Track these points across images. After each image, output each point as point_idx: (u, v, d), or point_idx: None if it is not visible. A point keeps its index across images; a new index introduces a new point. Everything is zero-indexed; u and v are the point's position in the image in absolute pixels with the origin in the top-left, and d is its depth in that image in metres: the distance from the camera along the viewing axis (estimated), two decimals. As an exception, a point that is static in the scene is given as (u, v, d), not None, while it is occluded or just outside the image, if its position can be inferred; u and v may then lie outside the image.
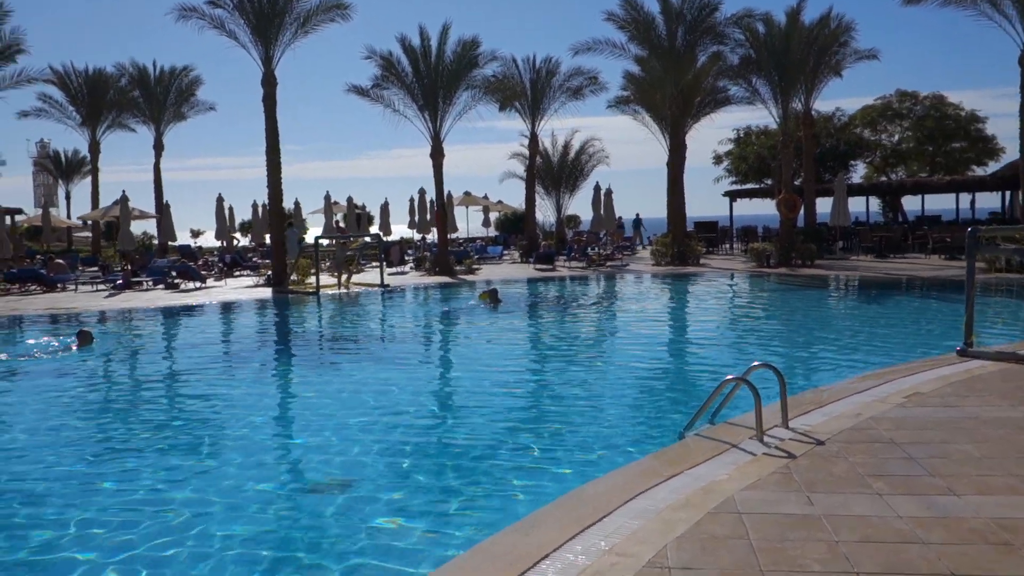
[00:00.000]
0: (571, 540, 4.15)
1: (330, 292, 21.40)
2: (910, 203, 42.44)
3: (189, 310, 18.50)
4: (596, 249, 30.73)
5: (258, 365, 12.01)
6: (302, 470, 6.85)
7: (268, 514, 5.66)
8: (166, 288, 23.07)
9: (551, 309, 18.16)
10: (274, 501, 5.93)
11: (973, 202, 36.81)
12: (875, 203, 43.25)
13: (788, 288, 20.48)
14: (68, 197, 52.22)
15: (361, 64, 27.66)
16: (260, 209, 34.16)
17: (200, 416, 8.80)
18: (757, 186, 40.97)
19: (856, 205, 35.58)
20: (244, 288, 22.90)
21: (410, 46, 26.84)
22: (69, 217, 47.84)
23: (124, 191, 28.38)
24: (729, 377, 6.12)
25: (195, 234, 51.75)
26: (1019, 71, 22.08)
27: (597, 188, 32.96)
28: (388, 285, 22.40)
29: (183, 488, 6.21)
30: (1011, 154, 39.34)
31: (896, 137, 42.92)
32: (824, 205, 31.15)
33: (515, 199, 44.50)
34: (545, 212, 38.23)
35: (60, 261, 26.44)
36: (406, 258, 31.87)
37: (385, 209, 37.72)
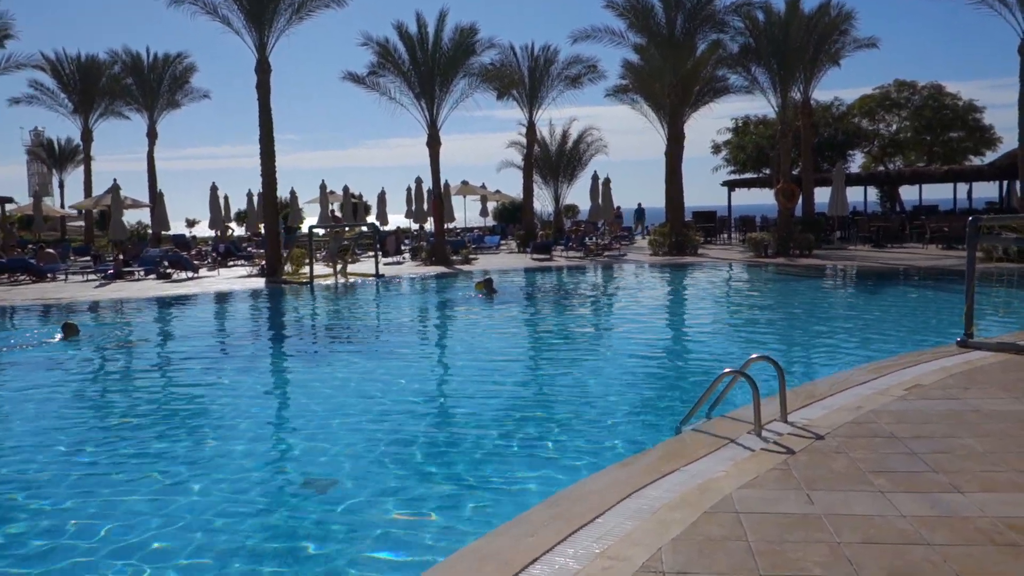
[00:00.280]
0: (562, 542, 4.00)
1: (324, 282, 21.22)
2: (907, 193, 42.33)
3: (179, 300, 18.31)
4: (593, 239, 30.55)
5: (246, 357, 11.83)
6: (289, 464, 6.69)
7: (255, 507, 5.51)
8: (158, 278, 22.87)
9: (547, 300, 18.00)
10: (261, 495, 5.78)
11: (970, 192, 36.68)
12: (873, 193, 43.11)
13: (786, 278, 20.33)
14: (62, 186, 51.84)
15: (358, 52, 27.34)
16: (255, 198, 33.89)
17: (182, 409, 8.64)
18: (755, 176, 40.73)
19: (854, 195, 35.38)
20: (237, 278, 22.70)
21: (407, 33, 26.56)
22: (63, 206, 47.48)
23: (115, 180, 28.05)
24: (727, 370, 5.97)
25: (190, 223, 51.44)
26: (1019, 60, 21.89)
27: (595, 178, 32.74)
28: (383, 275, 22.22)
29: (162, 481, 6.06)
30: (1008, 144, 39.21)
31: (894, 127, 42.72)
32: (822, 195, 30.98)
33: (513, 189, 44.24)
34: (543, 202, 38.03)
35: (50, 251, 26.19)
36: (402, 248, 31.67)
37: (382, 198, 37.47)
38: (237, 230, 41.78)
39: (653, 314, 15.60)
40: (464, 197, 41.71)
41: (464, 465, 6.35)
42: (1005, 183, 31.87)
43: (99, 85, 36.11)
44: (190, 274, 23.38)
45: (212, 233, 36.66)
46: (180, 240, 34.14)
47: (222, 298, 18.99)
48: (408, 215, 36.72)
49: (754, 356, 6.26)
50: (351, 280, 21.72)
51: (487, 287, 17.62)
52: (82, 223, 41.06)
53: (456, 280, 21.55)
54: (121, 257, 24.79)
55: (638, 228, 40.72)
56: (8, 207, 38.15)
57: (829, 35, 27.42)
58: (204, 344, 13.03)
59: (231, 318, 16.89)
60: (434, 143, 27.21)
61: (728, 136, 44.65)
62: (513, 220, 41.83)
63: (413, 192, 35.20)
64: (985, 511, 4.16)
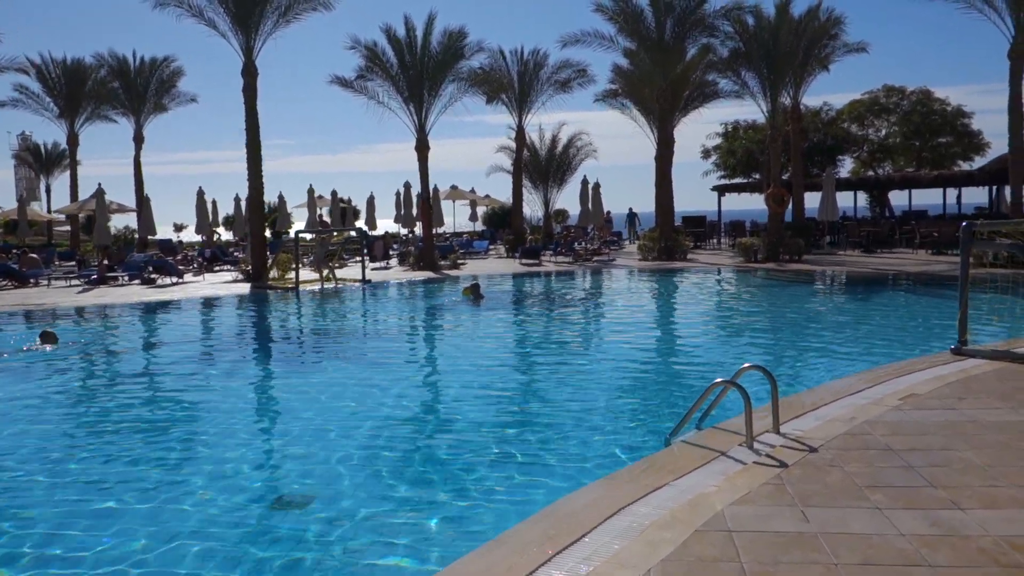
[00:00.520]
0: (547, 563, 3.81)
1: (310, 288, 20.96)
2: (896, 198, 42.40)
3: (162, 307, 18.02)
4: (583, 244, 30.39)
5: (227, 365, 11.58)
6: (269, 477, 6.46)
7: (231, 522, 5.28)
8: (142, 283, 22.55)
9: (534, 306, 17.81)
10: (238, 509, 5.55)
11: (960, 197, 36.74)
12: (862, 198, 43.17)
13: (776, 284, 20.22)
14: (48, 190, 51.35)
15: (348, 57, 27.17)
16: (243, 203, 33.59)
17: (158, 419, 8.39)
18: (745, 180, 40.75)
19: (843, 200, 35.34)
20: (222, 283, 22.41)
21: (395, 36, 26.37)
22: (49, 211, 47.00)
23: (100, 184, 27.75)
24: (718, 380, 5.79)
25: (178, 228, 51.03)
26: (1008, 65, 21.91)
27: (584, 182, 32.61)
28: (369, 280, 21.97)
29: (130, 492, 5.82)
30: (997, 149, 39.34)
31: (883, 132, 42.83)
32: (812, 200, 30.96)
33: (503, 193, 44.15)
34: (533, 206, 37.86)
35: (33, 256, 25.81)
36: (390, 253, 31.43)
37: (371, 203, 37.22)
38: (225, 235, 41.45)
39: (641, 321, 15.42)
40: (453, 202, 41.55)
41: (445, 479, 6.14)
42: (994, 188, 31.92)
43: (85, 89, 35.77)
44: (175, 279, 23.07)
45: (199, 238, 36.33)
46: (166, 245, 33.80)
47: (205, 304, 18.71)
48: (397, 220, 36.49)
49: (746, 365, 6.08)
50: (337, 285, 21.47)
51: (474, 293, 17.42)
52: (69, 228, 40.63)
53: (443, 286, 21.33)
54: (106, 262, 24.45)
55: (631, 233, 40.62)
56: (-7, 211, 37.70)
57: (819, 40, 27.40)
58: (184, 352, 12.76)
59: (213, 324, 16.61)
60: (423, 147, 27.01)
61: (718, 141, 44.68)
62: (503, 225, 41.64)
63: (402, 197, 34.98)
64: (987, 529, 3.99)
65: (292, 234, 28.67)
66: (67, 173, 38.82)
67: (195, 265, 26.88)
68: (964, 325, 8.52)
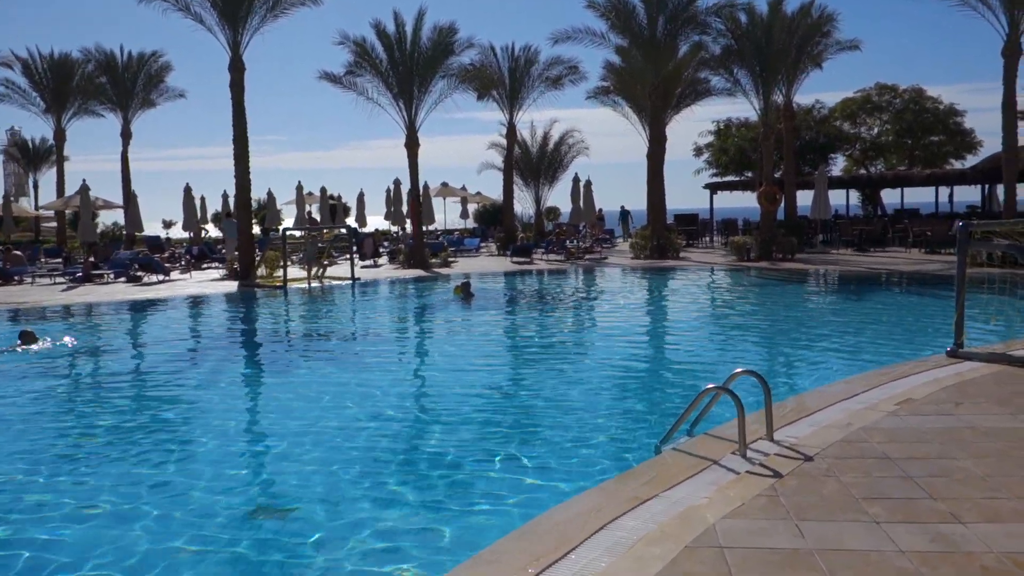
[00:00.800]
0: (528, 583, 3.61)
1: (298, 286, 20.70)
2: (889, 196, 42.37)
3: (147, 305, 17.74)
4: (575, 242, 30.20)
5: (210, 365, 11.35)
6: (253, 483, 6.24)
7: (214, 529, 5.07)
8: (128, 281, 22.25)
9: (524, 304, 17.61)
10: (219, 515, 5.33)
11: (952, 195, 36.71)
12: (854, 196, 43.12)
13: (769, 283, 20.07)
14: (36, 186, 50.86)
15: (338, 53, 26.91)
16: (231, 200, 33.27)
17: (137, 423, 8.15)
18: (738, 178, 40.61)
19: (836, 198, 35.25)
20: (209, 281, 22.13)
21: (384, 32, 26.13)
22: (37, 207, 46.54)
23: (84, 180, 27.49)
24: (710, 386, 5.60)
25: (167, 225, 50.60)
26: (1002, 63, 21.81)
27: (576, 180, 32.42)
28: (359, 279, 21.73)
29: (113, 496, 5.60)
30: (989, 148, 39.39)
31: (875, 130, 42.78)
32: (804, 198, 30.85)
33: (494, 191, 43.94)
34: (524, 204, 37.66)
35: (17, 252, 25.45)
36: (380, 251, 31.18)
37: (361, 200, 36.96)
38: (213, 232, 41.09)
39: (632, 321, 15.24)
40: (444, 199, 41.27)
41: (427, 487, 5.93)
42: (986, 187, 31.87)
43: (72, 84, 35.38)
44: (161, 277, 22.78)
45: (187, 235, 35.99)
46: (154, 242, 33.44)
47: (191, 302, 18.43)
48: (387, 217, 36.24)
49: (738, 370, 5.90)
50: (326, 284, 21.22)
51: (464, 291, 17.22)
52: (56, 224, 40.21)
53: (433, 284, 21.12)
54: (91, 259, 24.13)
55: (624, 231, 40.41)
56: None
57: (811, 37, 27.26)
58: (167, 352, 12.51)
59: (198, 323, 16.35)
60: (412, 144, 26.78)
61: (710, 139, 44.55)
62: (494, 222, 41.43)
63: (392, 194, 34.72)
64: (990, 545, 3.81)
65: (281, 231, 28.38)
66: (55, 169, 38.43)
67: (182, 262, 26.57)
68: (961, 327, 8.36)
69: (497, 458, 6.50)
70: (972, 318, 10.23)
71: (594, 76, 36.40)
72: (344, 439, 7.17)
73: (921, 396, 6.74)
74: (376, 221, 40.24)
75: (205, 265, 27.31)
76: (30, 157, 50.61)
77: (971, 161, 38.11)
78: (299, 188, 34.15)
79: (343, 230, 30.36)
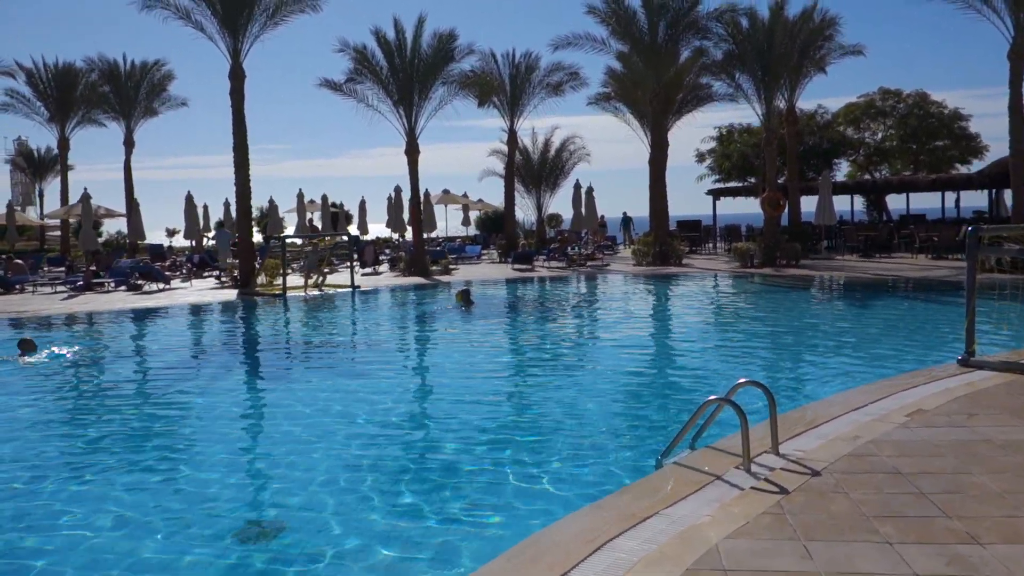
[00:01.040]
0: (519, 611, 3.40)
1: (298, 294, 20.53)
2: (894, 201, 42.06)
3: (147, 314, 17.58)
4: (576, 249, 30.00)
5: (209, 374, 11.16)
6: (248, 496, 6.04)
7: (211, 538, 4.87)
8: (128, 290, 22.11)
9: (525, 313, 17.39)
10: (215, 524, 5.13)
11: (958, 200, 36.38)
12: (859, 202, 42.80)
13: (774, 290, 19.83)
14: (41, 195, 50.91)
15: (338, 60, 26.84)
16: (232, 208, 33.18)
17: (135, 432, 7.96)
18: (740, 184, 40.35)
19: (840, 203, 34.96)
20: (209, 290, 21.97)
21: (384, 39, 26.00)
22: (42, 216, 46.58)
23: (86, 189, 27.53)
24: (712, 397, 5.39)
25: (170, 233, 50.53)
26: (1008, 66, 21.58)
27: (577, 186, 32.21)
28: (359, 286, 21.55)
29: (104, 505, 5.40)
30: (995, 153, 39.07)
31: (879, 135, 42.47)
32: (808, 204, 30.58)
33: (495, 198, 43.71)
34: (526, 211, 37.45)
35: (19, 262, 25.38)
36: (381, 258, 31.00)
37: (363, 208, 36.83)
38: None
39: (634, 330, 15.00)
40: (446, 206, 41.15)
41: (420, 501, 5.72)
42: (993, 192, 31.60)
43: (76, 93, 35.42)
44: (161, 286, 22.63)
45: (190, 243, 35.91)
46: (156, 250, 33.36)
47: (191, 311, 18.26)
48: (388, 224, 36.10)
49: (742, 381, 5.68)
50: (326, 292, 21.05)
51: (464, 299, 17.02)
52: (60, 233, 40.22)
53: (433, 292, 20.92)
54: (93, 268, 24.01)
55: (626, 237, 40.18)
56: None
57: (814, 41, 27.08)
58: (166, 361, 12.34)
59: (198, 332, 16.18)
60: (413, 151, 26.62)
61: (712, 145, 44.26)
62: (496, 229, 41.23)
63: (393, 201, 34.57)
64: (1011, 568, 3.59)
65: (280, 239, 28.22)
66: (60, 178, 38.45)
67: (183, 271, 26.44)
68: (971, 335, 8.13)
69: (494, 468, 6.29)
70: (983, 325, 9.99)
71: (595, 82, 36.31)
72: (341, 446, 6.98)
73: (932, 407, 6.52)
74: (378, 229, 40.11)
75: (206, 273, 27.17)
76: (35, 166, 50.73)
77: (977, 166, 37.80)
78: (300, 196, 34.05)
79: (344, 238, 30.23)
